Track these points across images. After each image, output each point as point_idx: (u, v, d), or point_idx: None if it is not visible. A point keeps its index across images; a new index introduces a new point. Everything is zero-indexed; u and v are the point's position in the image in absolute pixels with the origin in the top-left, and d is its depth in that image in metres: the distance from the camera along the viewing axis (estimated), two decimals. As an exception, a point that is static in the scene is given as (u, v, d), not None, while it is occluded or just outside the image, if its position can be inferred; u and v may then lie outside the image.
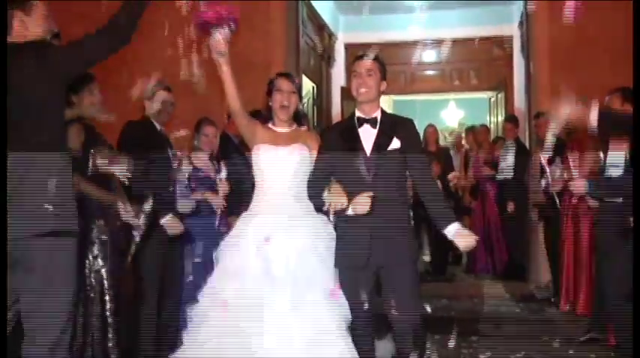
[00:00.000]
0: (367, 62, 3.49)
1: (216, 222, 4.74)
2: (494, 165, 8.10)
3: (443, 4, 9.91)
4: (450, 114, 14.31)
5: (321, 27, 9.80)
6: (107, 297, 4.02)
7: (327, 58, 10.21)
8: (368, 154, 3.42)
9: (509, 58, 10.33)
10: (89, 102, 3.98)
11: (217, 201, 4.78)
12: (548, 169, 5.50)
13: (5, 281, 2.90)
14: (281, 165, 3.51)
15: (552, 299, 6.29)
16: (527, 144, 7.86)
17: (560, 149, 5.74)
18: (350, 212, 3.26)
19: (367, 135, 3.46)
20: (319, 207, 3.49)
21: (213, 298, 3.33)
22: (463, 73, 11.27)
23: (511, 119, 8.29)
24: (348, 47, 10.81)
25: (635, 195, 3.62)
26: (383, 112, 3.56)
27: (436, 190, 3.62)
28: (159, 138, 4.52)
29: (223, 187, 4.81)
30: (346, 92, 10.15)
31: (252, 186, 4.87)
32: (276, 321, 3.16)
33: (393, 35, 10.17)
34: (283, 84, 3.61)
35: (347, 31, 10.98)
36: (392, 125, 3.50)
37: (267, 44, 7.24)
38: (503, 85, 10.31)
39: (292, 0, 7.66)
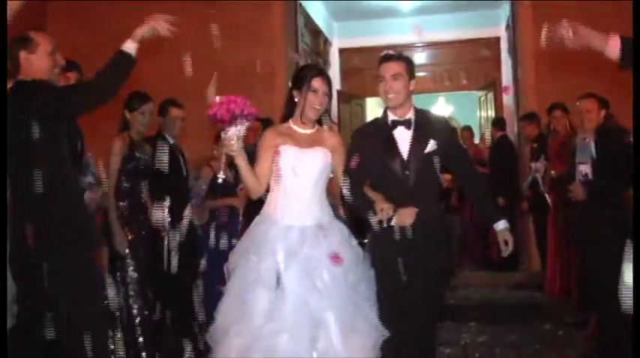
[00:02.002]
0: (392, 65, 3.30)
1: (239, 226, 4.85)
2: (483, 164, 8.29)
3: (433, 8, 10.19)
4: (440, 109, 14.52)
5: (316, 33, 9.96)
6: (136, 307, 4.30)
7: (322, 62, 10.36)
8: (405, 158, 3.29)
9: (498, 59, 10.56)
10: (139, 122, 4.40)
11: (240, 204, 4.98)
12: (533, 166, 5.92)
13: (5, 281, 2.95)
14: (304, 169, 3.23)
15: (541, 286, 6.43)
16: (515, 142, 8.15)
17: (544, 147, 6.15)
18: (393, 223, 3.17)
19: (403, 138, 3.32)
20: (361, 215, 3.33)
21: (243, 308, 3.03)
22: (453, 73, 11.50)
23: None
24: (343, 52, 11.11)
25: (635, 195, 3.81)
26: (416, 111, 3.39)
27: (482, 188, 3.55)
28: (172, 152, 4.76)
29: (242, 195, 4.93)
30: (342, 95, 10.48)
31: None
32: (322, 337, 2.97)
33: (385, 39, 10.29)
34: (320, 85, 3.27)
35: (341, 36, 11.18)
36: (427, 125, 3.35)
37: (268, 52, 7.39)
38: (492, 85, 10.51)
39: (291, 7, 7.91)
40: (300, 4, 8.57)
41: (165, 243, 4.47)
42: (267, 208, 3.29)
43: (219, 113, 2.99)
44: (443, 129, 3.40)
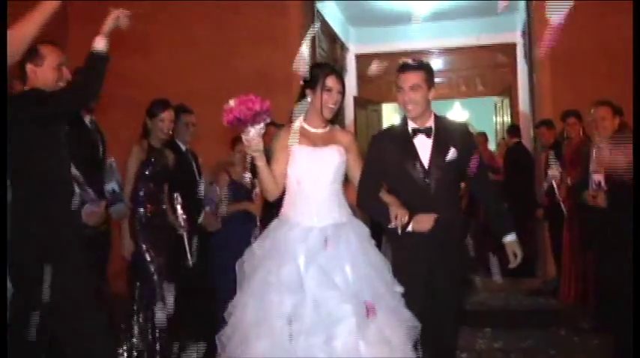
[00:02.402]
0: (411, 76, 3.25)
1: (257, 231, 4.84)
2: (496, 171, 8.30)
3: (449, 14, 10.20)
4: (456, 115, 14.51)
5: (333, 39, 9.98)
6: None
7: (339, 68, 10.46)
8: (426, 166, 3.28)
9: (514, 64, 10.52)
10: (158, 128, 4.48)
11: (256, 209, 5.03)
12: (549, 173, 5.90)
13: (5, 281, 2.99)
14: (320, 168, 3.18)
15: (557, 292, 6.41)
16: (531, 148, 8.15)
17: (560, 153, 6.13)
18: (410, 229, 3.17)
19: (423, 146, 3.31)
20: (376, 219, 3.35)
21: (264, 311, 2.96)
22: (469, 79, 11.52)
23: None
24: (359, 58, 11.14)
25: (635, 196, 3.80)
26: (436, 119, 3.38)
27: (495, 200, 3.52)
28: (184, 157, 4.88)
29: (258, 201, 5.02)
30: (358, 101, 10.53)
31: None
32: (345, 337, 2.89)
33: (402, 45, 10.40)
34: (334, 83, 3.23)
35: (357, 42, 11.19)
36: (447, 133, 3.33)
37: (285, 58, 7.23)
38: (508, 90, 10.49)
39: (309, 13, 7.92)
40: (317, 10, 8.59)
41: (185, 240, 4.55)
42: (286, 210, 3.23)
43: (241, 114, 2.93)
44: (463, 138, 3.38)
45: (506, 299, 6.79)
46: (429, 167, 3.27)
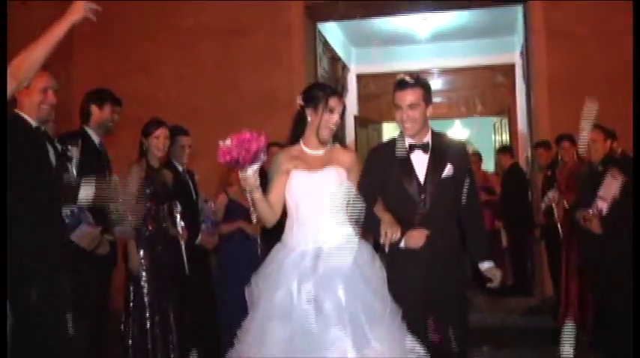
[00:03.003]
0: (408, 94, 3.22)
1: (258, 250, 4.94)
2: (490, 191, 8.41)
3: (449, 35, 10.37)
4: (456, 133, 14.59)
5: (334, 59, 10.11)
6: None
7: (340, 88, 10.45)
8: (422, 182, 3.26)
9: (513, 85, 10.64)
10: (154, 146, 4.57)
11: (252, 229, 5.06)
12: (549, 194, 6.00)
13: (5, 281, 2.92)
14: (317, 191, 3.12)
15: (554, 311, 6.44)
16: (528, 169, 8.23)
17: (552, 178, 6.24)
18: (402, 245, 3.16)
19: (420, 161, 3.30)
20: (370, 233, 3.30)
21: (261, 339, 2.94)
22: (469, 99, 11.67)
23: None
24: (360, 77, 11.30)
25: (635, 198, 3.87)
26: (433, 135, 3.37)
27: (480, 224, 3.51)
28: (182, 178, 4.97)
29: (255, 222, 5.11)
30: (359, 120, 10.64)
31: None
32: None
33: (402, 65, 10.35)
34: (337, 104, 3.20)
35: (358, 62, 11.36)
36: (444, 149, 3.32)
37: (289, 79, 7.49)
38: (507, 110, 10.60)
39: (311, 34, 8.07)
40: (319, 31, 8.74)
41: (183, 250, 4.65)
42: (286, 234, 3.21)
43: (240, 156, 2.86)
44: (459, 155, 3.37)
45: (504, 318, 6.82)
46: (425, 182, 3.26)
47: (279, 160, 3.24)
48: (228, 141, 2.88)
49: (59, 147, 3.79)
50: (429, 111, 3.30)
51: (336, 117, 3.19)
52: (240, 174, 2.97)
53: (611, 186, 4.45)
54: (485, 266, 3.38)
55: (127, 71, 7.65)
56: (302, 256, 3.07)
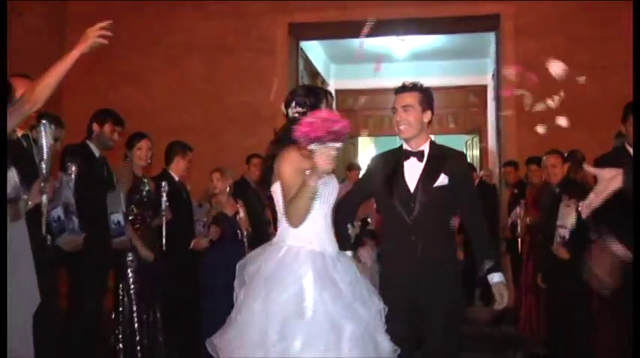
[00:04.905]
0: (404, 96, 3.22)
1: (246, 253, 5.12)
2: None
3: (426, 55, 10.79)
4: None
5: (314, 75, 10.42)
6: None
7: None
8: (411, 191, 3.20)
9: (484, 105, 11.05)
10: (137, 157, 4.88)
11: (214, 233, 5.33)
12: (515, 211, 6.39)
13: (5, 281, 2.90)
14: (332, 194, 2.90)
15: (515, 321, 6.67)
16: (497, 185, 8.58)
17: (523, 192, 6.66)
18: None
19: (413, 169, 3.24)
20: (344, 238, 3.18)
21: (266, 335, 2.66)
22: (442, 118, 11.93)
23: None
24: (338, 93, 11.48)
25: (635, 201, 4.09)
26: (431, 144, 3.31)
27: (486, 235, 3.30)
28: (177, 187, 5.22)
29: (243, 224, 5.41)
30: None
31: (268, 223, 5.63)
32: None
33: (379, 82, 10.52)
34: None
35: (337, 78, 11.72)
36: (440, 159, 3.24)
37: (270, 93, 7.63)
38: (478, 130, 11.02)
39: (293, 51, 8.45)
40: (301, 48, 9.10)
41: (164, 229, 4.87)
42: (309, 238, 2.84)
43: (338, 128, 2.65)
44: (457, 166, 3.29)
45: (468, 328, 6.81)
46: (415, 190, 3.18)
47: (295, 158, 2.82)
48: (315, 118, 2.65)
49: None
50: (427, 116, 3.25)
51: None
52: (318, 153, 2.63)
53: (568, 214, 4.70)
54: (495, 279, 3.19)
55: (116, 83, 7.97)
56: (333, 261, 2.83)
